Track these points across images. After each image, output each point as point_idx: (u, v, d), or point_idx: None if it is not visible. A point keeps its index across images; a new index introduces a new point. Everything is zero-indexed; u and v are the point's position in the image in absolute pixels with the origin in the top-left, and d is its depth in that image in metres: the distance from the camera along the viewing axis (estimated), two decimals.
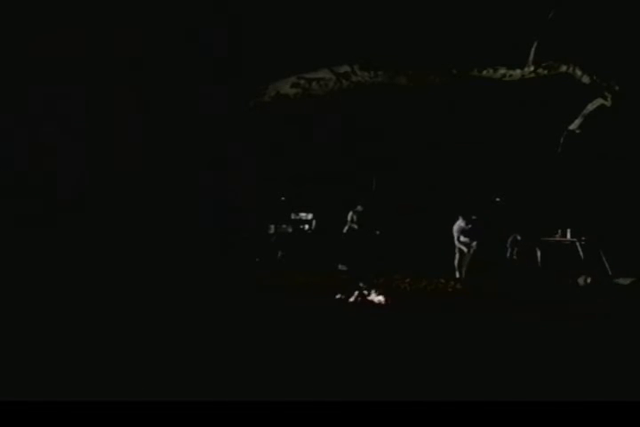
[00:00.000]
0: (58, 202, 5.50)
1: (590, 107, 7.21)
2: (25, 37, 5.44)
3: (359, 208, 9.23)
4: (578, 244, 7.86)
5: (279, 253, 9.43)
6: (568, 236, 8.08)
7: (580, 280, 6.93)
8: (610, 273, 7.48)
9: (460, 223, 8.12)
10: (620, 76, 6.66)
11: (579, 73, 6.71)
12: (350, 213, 9.26)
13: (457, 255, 8.27)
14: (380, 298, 5.63)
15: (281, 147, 9.10)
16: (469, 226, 8.06)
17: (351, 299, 5.61)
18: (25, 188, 5.43)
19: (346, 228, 9.24)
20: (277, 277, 7.35)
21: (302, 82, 6.80)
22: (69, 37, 5.63)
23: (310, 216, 9.77)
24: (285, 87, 6.82)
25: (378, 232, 9.72)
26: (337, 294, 5.86)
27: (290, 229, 9.51)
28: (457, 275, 8.19)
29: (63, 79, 5.55)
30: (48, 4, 5.48)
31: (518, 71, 6.86)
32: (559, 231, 8.24)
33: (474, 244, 8.07)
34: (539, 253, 8.21)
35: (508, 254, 8.49)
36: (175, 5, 5.94)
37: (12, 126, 5.36)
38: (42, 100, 5.50)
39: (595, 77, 6.67)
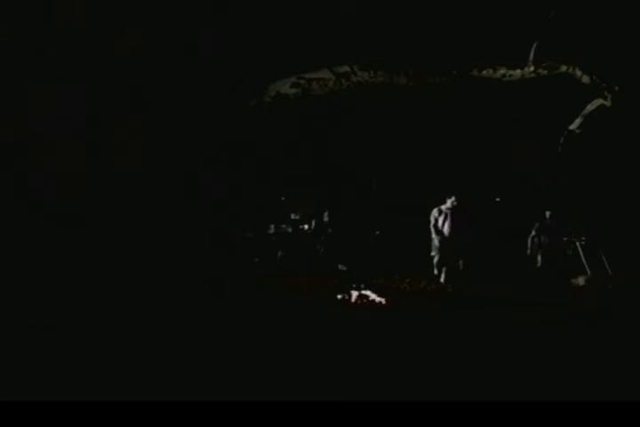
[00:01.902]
0: (57, 202, 5.49)
1: (590, 107, 7.20)
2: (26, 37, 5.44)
3: (325, 214, 9.36)
4: (578, 244, 7.85)
5: (279, 253, 9.42)
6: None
7: (580, 281, 6.94)
8: (610, 273, 7.47)
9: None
10: (619, 76, 6.66)
11: (579, 73, 6.70)
12: (322, 218, 9.39)
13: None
14: (380, 298, 5.63)
15: (280, 147, 9.10)
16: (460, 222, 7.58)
17: (351, 299, 5.61)
18: (25, 188, 5.43)
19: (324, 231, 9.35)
20: (277, 278, 7.36)
21: (302, 82, 6.79)
22: (69, 36, 5.63)
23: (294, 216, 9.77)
24: (285, 87, 6.81)
25: (377, 232, 9.73)
26: (337, 294, 5.86)
27: (290, 229, 9.50)
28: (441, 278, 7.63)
29: (62, 78, 5.55)
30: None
31: (518, 71, 6.86)
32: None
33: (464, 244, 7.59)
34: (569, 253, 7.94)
35: (533, 255, 8.22)
36: (175, 5, 5.94)
37: (13, 126, 5.36)
38: (41, 99, 5.50)
39: (595, 77, 6.67)
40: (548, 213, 8.13)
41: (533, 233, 8.16)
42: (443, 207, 7.72)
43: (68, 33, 5.58)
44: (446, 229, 7.61)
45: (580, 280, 6.87)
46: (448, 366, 3.21)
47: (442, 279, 7.52)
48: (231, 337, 3.78)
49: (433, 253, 7.75)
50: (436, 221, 7.69)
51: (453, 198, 7.66)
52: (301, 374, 3.05)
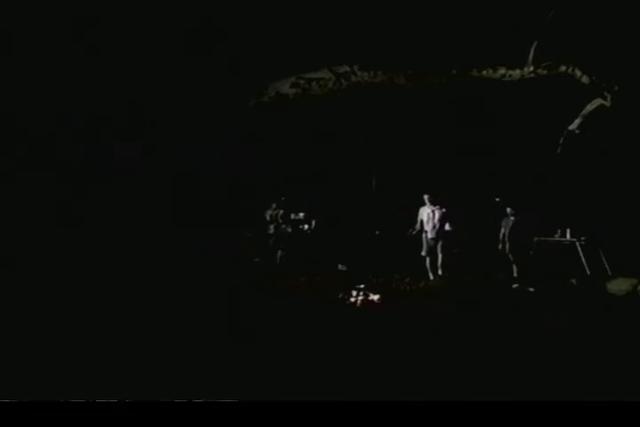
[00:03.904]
0: (58, 202, 5.50)
1: (590, 107, 7.21)
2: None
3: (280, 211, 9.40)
4: (577, 244, 7.85)
5: (279, 253, 9.42)
6: (568, 236, 8.07)
7: (579, 281, 6.92)
8: (609, 273, 7.47)
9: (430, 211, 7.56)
10: (619, 76, 6.66)
11: (578, 73, 6.71)
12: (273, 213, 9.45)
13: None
14: (380, 298, 5.63)
15: (281, 147, 9.10)
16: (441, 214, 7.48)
17: (351, 299, 5.61)
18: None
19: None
20: (277, 278, 7.35)
21: (302, 82, 6.80)
22: (69, 37, 5.64)
23: (300, 215, 9.77)
24: (285, 87, 6.82)
25: (377, 232, 9.73)
26: (337, 293, 5.86)
27: (290, 229, 9.50)
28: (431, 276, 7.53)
29: (65, 78, 5.56)
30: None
31: (518, 71, 6.86)
32: (559, 231, 8.22)
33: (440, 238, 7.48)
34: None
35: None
36: (176, 6, 5.95)
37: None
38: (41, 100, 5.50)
39: (594, 77, 6.67)
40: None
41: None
42: (426, 207, 7.60)
43: (66, 33, 5.59)
44: (430, 228, 7.51)
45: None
46: (448, 365, 3.21)
47: (431, 277, 7.50)
48: (231, 337, 3.78)
49: (423, 254, 7.63)
50: (422, 220, 7.61)
51: (427, 196, 7.55)
52: (301, 374, 3.05)
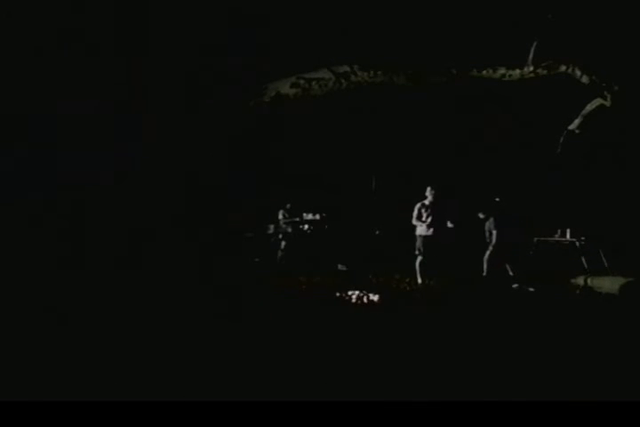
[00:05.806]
0: (56, 201, 5.50)
1: (589, 107, 7.21)
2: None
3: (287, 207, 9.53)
4: (577, 244, 7.85)
5: (279, 254, 9.42)
6: (568, 236, 8.07)
7: (580, 281, 6.93)
8: (609, 273, 7.47)
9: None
10: (619, 76, 6.66)
11: (578, 73, 6.71)
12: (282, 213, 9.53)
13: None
14: (380, 298, 5.63)
15: (281, 147, 9.10)
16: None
17: (351, 299, 5.61)
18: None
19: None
20: (277, 278, 7.35)
21: (302, 82, 6.80)
22: (69, 36, 5.64)
23: (311, 216, 9.77)
24: (285, 87, 6.82)
25: (378, 232, 9.73)
26: (337, 293, 5.86)
27: (290, 229, 9.50)
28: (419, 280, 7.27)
29: (65, 78, 5.56)
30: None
31: (518, 71, 6.86)
32: (559, 231, 8.22)
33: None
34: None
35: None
36: (176, 6, 5.95)
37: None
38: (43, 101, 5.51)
39: (594, 77, 6.67)
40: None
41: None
42: (426, 202, 7.42)
43: (67, 32, 5.60)
44: (425, 225, 7.28)
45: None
46: (448, 365, 3.22)
47: (419, 280, 7.23)
48: (231, 337, 3.78)
49: (417, 253, 7.37)
50: (420, 215, 7.36)
51: (429, 188, 7.38)
52: (301, 374, 3.05)
